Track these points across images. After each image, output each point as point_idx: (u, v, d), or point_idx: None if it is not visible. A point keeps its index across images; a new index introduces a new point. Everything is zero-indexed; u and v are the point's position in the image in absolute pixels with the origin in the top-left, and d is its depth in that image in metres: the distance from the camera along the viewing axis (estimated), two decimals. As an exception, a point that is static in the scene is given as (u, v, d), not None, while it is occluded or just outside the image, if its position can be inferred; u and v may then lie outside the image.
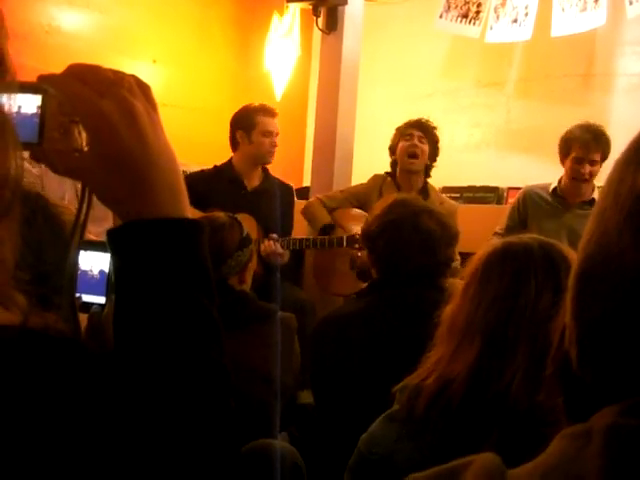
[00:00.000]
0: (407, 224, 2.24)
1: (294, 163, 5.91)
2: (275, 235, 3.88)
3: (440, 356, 1.44)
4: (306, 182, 5.28)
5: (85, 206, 0.78)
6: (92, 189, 0.76)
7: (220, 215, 2.47)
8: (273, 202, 3.92)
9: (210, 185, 4.03)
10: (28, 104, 0.75)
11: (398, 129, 4.11)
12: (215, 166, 4.21)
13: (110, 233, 0.75)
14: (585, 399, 0.55)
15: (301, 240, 3.97)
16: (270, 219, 3.91)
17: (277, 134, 4.11)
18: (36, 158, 0.75)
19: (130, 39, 5.22)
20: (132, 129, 0.73)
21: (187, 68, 5.50)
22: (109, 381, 0.67)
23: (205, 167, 4.25)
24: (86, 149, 0.75)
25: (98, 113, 0.72)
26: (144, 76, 0.76)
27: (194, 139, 5.17)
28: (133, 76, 0.77)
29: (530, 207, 3.91)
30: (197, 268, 0.75)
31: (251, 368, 2.16)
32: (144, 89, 0.77)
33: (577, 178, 3.70)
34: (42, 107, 0.75)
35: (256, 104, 4.15)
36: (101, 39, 5.09)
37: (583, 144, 3.64)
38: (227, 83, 5.73)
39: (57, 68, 0.75)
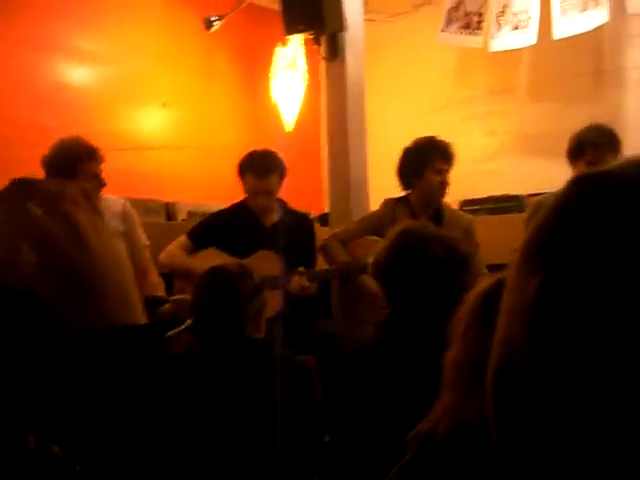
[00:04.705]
0: (414, 252, 2.21)
1: (313, 191, 5.90)
2: (302, 268, 3.84)
3: (450, 402, 1.40)
4: (327, 208, 5.26)
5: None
6: (44, 301, 0.76)
7: (229, 265, 2.44)
8: (292, 235, 3.90)
9: (230, 224, 4.03)
10: None
11: (423, 156, 3.78)
12: (233, 204, 4.20)
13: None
14: None
15: (326, 271, 3.89)
16: (291, 253, 3.88)
17: (266, 190, 3.95)
18: None
19: (138, 86, 5.28)
20: (78, 244, 0.74)
21: (196, 108, 5.53)
22: None
23: (222, 204, 4.25)
24: (35, 264, 0.75)
25: (44, 232, 0.73)
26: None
27: (209, 177, 5.20)
28: (76, 184, 0.77)
29: None
30: (151, 370, 0.74)
31: (266, 418, 2.13)
32: (87, 196, 0.77)
33: None
34: None
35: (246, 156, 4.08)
36: (110, 89, 5.16)
37: (598, 148, 3.56)
38: (237, 119, 5.75)
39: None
